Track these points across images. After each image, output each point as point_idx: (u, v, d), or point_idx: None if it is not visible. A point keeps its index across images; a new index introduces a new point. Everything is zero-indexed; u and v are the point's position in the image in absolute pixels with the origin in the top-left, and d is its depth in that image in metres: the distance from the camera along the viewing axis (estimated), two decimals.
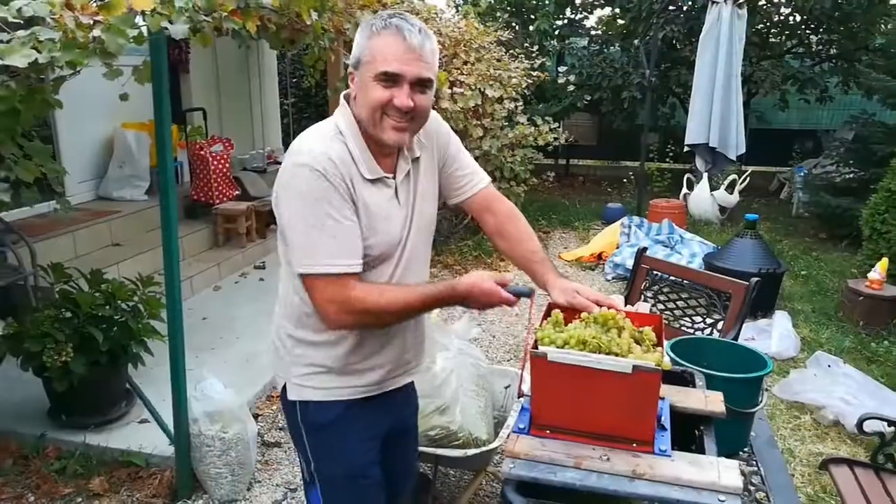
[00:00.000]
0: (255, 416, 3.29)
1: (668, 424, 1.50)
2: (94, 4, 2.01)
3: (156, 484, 2.78)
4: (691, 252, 5.52)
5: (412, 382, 1.84)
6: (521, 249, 1.69)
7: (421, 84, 1.44)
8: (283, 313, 1.63)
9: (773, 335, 4.19)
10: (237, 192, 5.75)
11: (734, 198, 7.15)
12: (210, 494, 2.73)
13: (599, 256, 5.97)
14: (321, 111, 9.19)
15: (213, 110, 6.40)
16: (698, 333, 3.15)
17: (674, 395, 1.61)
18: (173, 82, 6.17)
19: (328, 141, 1.46)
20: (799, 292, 5.18)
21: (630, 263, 5.34)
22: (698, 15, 7.35)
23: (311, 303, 1.48)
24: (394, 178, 1.56)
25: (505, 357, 4.06)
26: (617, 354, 1.33)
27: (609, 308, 1.53)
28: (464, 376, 2.63)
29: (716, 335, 3.09)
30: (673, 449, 1.44)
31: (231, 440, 2.68)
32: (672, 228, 6.03)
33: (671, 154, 8.87)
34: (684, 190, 7.36)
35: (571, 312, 1.54)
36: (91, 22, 1.96)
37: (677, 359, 1.94)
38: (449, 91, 5.10)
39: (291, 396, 1.63)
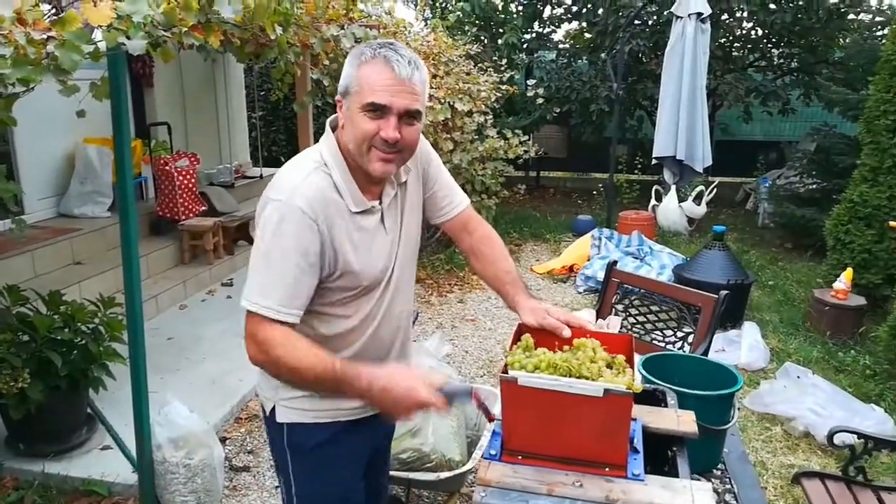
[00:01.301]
0: (223, 440, 3.20)
1: (640, 447, 1.47)
2: (48, 20, 1.94)
3: None
4: (661, 264, 5.56)
5: None
6: (494, 269, 1.68)
7: (409, 116, 1.42)
8: None
9: (742, 346, 4.22)
10: (204, 208, 5.65)
11: (702, 209, 7.24)
12: None
13: (571, 269, 5.98)
14: (289, 125, 9.15)
15: (179, 125, 6.30)
16: (669, 347, 3.16)
17: (646, 416, 1.59)
18: (137, 96, 6.06)
19: (311, 174, 1.43)
20: (767, 303, 5.24)
21: (601, 276, 5.36)
22: (663, 29, 7.47)
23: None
24: (380, 204, 1.54)
25: (478, 373, 4.02)
26: (588, 378, 1.31)
27: (579, 328, 1.50)
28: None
29: (686, 349, 3.10)
30: (646, 470, 1.42)
31: (197, 466, 2.60)
32: (642, 240, 6.08)
33: (639, 166, 8.97)
34: (653, 202, 7.43)
35: (542, 333, 1.51)
36: (44, 38, 1.90)
37: (649, 376, 1.92)
38: None
39: (279, 419, 1.59)
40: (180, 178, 5.30)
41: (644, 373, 1.94)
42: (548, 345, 1.49)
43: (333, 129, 1.53)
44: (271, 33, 2.70)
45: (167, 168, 5.26)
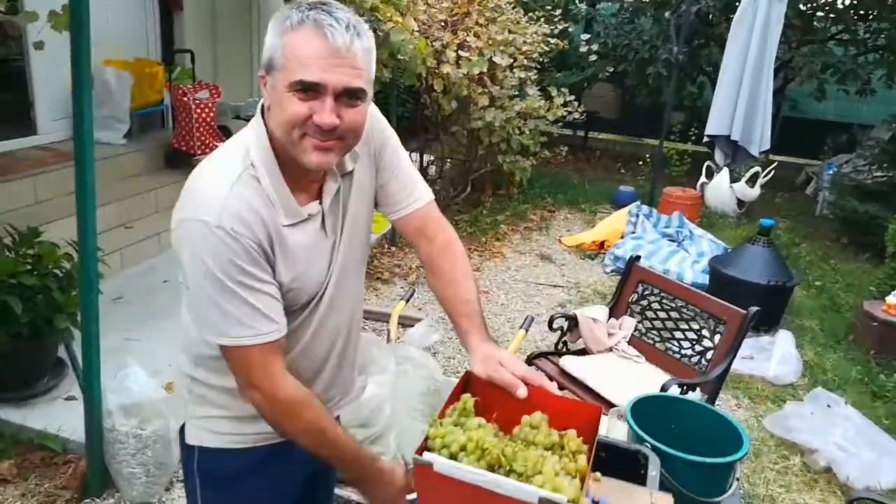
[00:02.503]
0: None
1: None
2: None
3: (68, 474, 2.55)
4: (699, 251, 5.14)
5: (337, 417, 1.55)
6: (451, 293, 1.37)
7: (349, 95, 1.13)
8: (183, 345, 1.35)
9: (773, 356, 3.85)
10: (222, 143, 5.41)
11: (755, 191, 6.69)
12: (122, 494, 2.49)
13: (602, 245, 5.60)
14: None
15: (207, 52, 6.02)
16: (685, 360, 2.83)
17: (614, 495, 1.29)
18: (165, 18, 5.80)
19: (235, 184, 1.15)
20: (809, 306, 4.80)
21: None
22: None
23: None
24: (320, 203, 1.26)
25: None
26: (522, 474, 1.00)
27: (539, 388, 1.20)
28: (410, 393, 2.33)
29: (704, 365, 2.77)
30: None
31: (148, 437, 2.43)
32: (682, 222, 5.63)
33: (694, 136, 8.36)
34: (703, 178, 6.91)
35: (494, 388, 1.21)
36: None
37: (635, 426, 1.62)
38: (454, 54, 4.69)
39: (189, 440, 1.36)
40: (198, 110, 5.06)
41: (631, 421, 1.64)
42: (499, 403, 1.19)
43: (264, 112, 1.23)
44: None
45: (185, 99, 5.02)
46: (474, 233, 5.63)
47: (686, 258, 5.04)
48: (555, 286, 4.80)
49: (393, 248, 5.09)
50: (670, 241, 5.41)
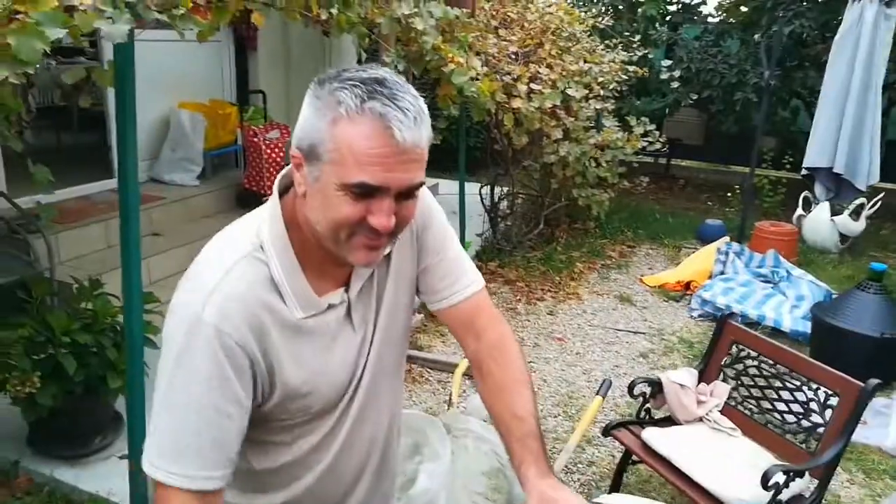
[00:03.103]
0: None
1: None
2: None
3: None
4: (798, 294, 4.66)
5: None
6: (500, 405, 1.14)
7: (410, 191, 0.96)
8: None
9: (891, 421, 3.37)
10: None
11: (860, 225, 6.10)
12: None
13: (688, 286, 5.19)
14: None
15: (281, 92, 6.06)
16: (789, 437, 2.47)
17: None
18: (241, 60, 5.88)
19: (235, 267, 0.98)
20: None
21: (722, 301, 4.60)
22: (836, 8, 6.27)
23: None
24: (346, 291, 1.08)
25: (551, 411, 3.47)
26: None
27: None
28: (470, 474, 2.09)
29: (812, 444, 2.39)
30: None
31: None
32: (778, 261, 5.16)
33: (789, 164, 7.79)
34: (799, 210, 6.38)
35: None
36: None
37: None
38: (525, 88, 4.48)
39: None
40: (268, 150, 5.05)
41: None
42: None
43: (282, 192, 1.05)
44: (320, 12, 2.25)
45: (255, 140, 5.03)
46: (547, 272, 5.35)
47: (783, 303, 4.59)
48: (636, 332, 4.45)
49: None
50: (765, 282, 4.95)
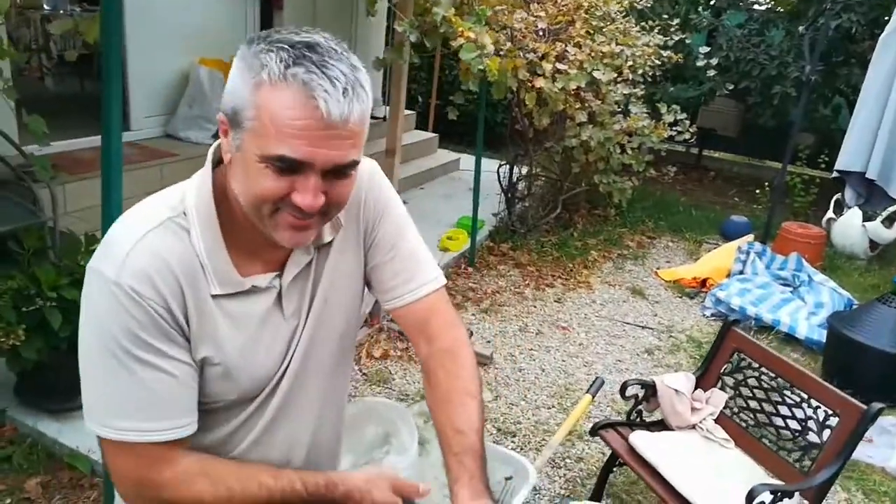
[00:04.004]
0: None
1: None
2: None
3: (90, 500, 2.45)
4: (817, 301, 4.50)
5: None
6: (443, 416, 1.06)
7: (340, 170, 0.89)
8: None
9: None
10: None
11: (892, 233, 5.87)
12: None
13: (704, 283, 5.04)
14: (430, 61, 8.48)
15: None
16: (782, 454, 2.36)
17: None
18: (266, 17, 5.79)
19: (150, 233, 0.92)
20: None
21: (737, 301, 4.46)
22: (888, 3, 5.94)
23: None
24: (279, 277, 1.01)
25: (546, 402, 3.40)
26: None
27: None
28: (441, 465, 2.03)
29: (808, 462, 2.29)
30: None
31: None
32: (801, 264, 4.98)
33: (824, 163, 7.51)
34: (830, 213, 6.16)
35: None
36: None
37: None
38: (551, 67, 4.32)
39: None
40: None
41: None
42: None
43: (216, 163, 0.98)
44: None
45: None
46: (560, 258, 5.23)
47: (801, 308, 4.43)
48: (644, 327, 4.33)
49: (469, 269, 4.79)
50: (784, 285, 4.79)
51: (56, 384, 2.71)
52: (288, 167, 0.85)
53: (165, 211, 0.94)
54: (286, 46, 0.83)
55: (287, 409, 1.06)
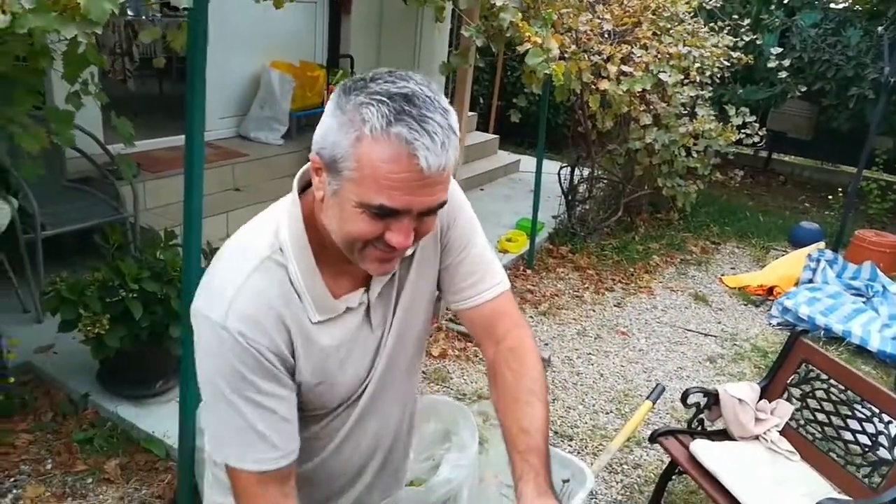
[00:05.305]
0: None
1: None
2: None
3: (164, 482, 2.58)
4: (892, 312, 4.32)
5: None
6: (509, 416, 1.09)
7: (431, 210, 0.94)
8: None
9: None
10: None
11: None
12: None
13: (771, 291, 4.90)
14: (493, 64, 8.50)
15: (371, 58, 6.10)
16: (850, 468, 2.30)
17: None
18: (334, 24, 5.94)
19: (253, 275, 0.97)
20: None
21: (805, 311, 4.33)
22: None
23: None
24: (366, 292, 1.06)
25: (604, 407, 3.39)
26: None
27: None
28: (500, 464, 2.07)
29: (878, 479, 2.22)
30: None
31: None
32: (875, 274, 4.79)
33: None
34: None
35: None
36: None
37: None
38: (616, 69, 4.29)
39: None
40: None
41: None
42: None
43: (302, 189, 1.02)
44: None
45: None
46: (621, 261, 5.18)
47: (874, 320, 4.26)
48: (706, 335, 4.26)
49: (528, 271, 4.80)
50: (856, 295, 4.61)
51: (136, 372, 2.87)
52: (385, 214, 0.90)
53: (264, 249, 0.98)
54: (385, 99, 0.85)
55: (373, 408, 1.12)
